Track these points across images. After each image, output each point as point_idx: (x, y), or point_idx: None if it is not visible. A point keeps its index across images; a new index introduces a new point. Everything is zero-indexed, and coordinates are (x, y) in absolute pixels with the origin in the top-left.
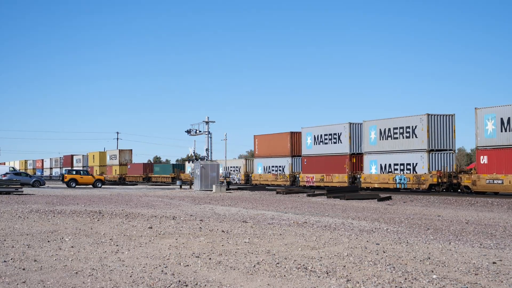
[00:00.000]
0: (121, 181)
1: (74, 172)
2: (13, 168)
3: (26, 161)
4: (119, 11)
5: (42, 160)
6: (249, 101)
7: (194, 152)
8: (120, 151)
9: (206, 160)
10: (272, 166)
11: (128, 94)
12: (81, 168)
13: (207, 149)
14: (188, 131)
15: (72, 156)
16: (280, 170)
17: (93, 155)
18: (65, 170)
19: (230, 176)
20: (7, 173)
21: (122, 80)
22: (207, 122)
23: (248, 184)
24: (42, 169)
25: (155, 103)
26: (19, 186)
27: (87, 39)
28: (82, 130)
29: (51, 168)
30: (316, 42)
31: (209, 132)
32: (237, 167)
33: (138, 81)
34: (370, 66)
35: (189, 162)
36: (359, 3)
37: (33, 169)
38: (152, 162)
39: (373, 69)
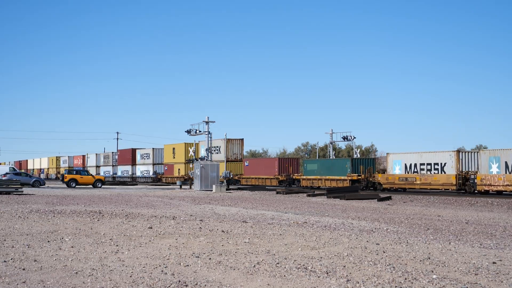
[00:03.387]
0: (233, 184)
1: (74, 172)
2: (13, 168)
3: (58, 158)
4: (119, 11)
5: (84, 156)
6: (249, 101)
7: (194, 152)
8: (229, 140)
9: (206, 160)
10: None
11: (128, 94)
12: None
13: (207, 149)
14: (188, 131)
15: (133, 150)
16: None
17: (173, 148)
18: (65, 170)
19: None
20: (7, 173)
21: (122, 80)
22: (207, 122)
23: None
24: (84, 167)
25: (155, 103)
26: (19, 186)
27: (87, 39)
28: (82, 130)
29: (97, 167)
30: (316, 42)
31: (209, 132)
32: None
33: (138, 81)
34: (370, 66)
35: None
36: (356, 4)
37: (69, 167)
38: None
39: (370, 69)
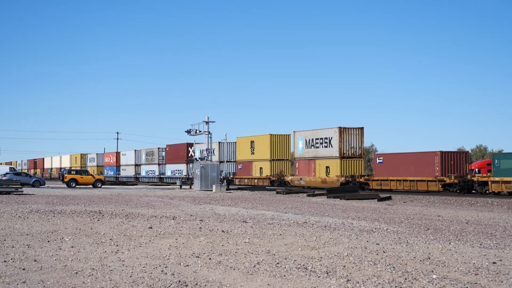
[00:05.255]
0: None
1: (74, 172)
2: (13, 168)
3: (83, 156)
4: (119, 11)
5: (118, 153)
6: (249, 101)
7: (194, 152)
8: (343, 130)
9: (206, 160)
10: None
11: (128, 94)
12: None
13: (207, 149)
14: (188, 131)
15: (189, 145)
16: None
17: (251, 141)
18: (64, 170)
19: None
20: (7, 173)
21: (122, 80)
22: (207, 122)
23: None
24: (118, 166)
25: (155, 103)
26: (19, 186)
27: (87, 39)
28: (82, 130)
29: (137, 165)
30: (316, 42)
31: (209, 132)
32: None
33: (138, 81)
34: (370, 66)
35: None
36: (356, 4)
37: (98, 166)
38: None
39: (370, 70)
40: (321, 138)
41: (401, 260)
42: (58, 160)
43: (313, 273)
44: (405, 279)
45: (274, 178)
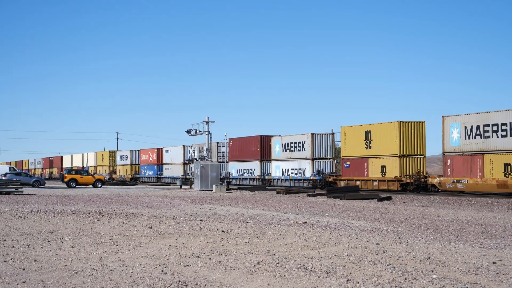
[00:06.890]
0: None
1: (74, 172)
2: (13, 168)
3: (112, 153)
4: (119, 11)
5: (159, 150)
6: (249, 101)
7: (194, 152)
8: None
9: (206, 160)
10: None
11: (128, 94)
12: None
13: (207, 149)
14: (188, 131)
15: (265, 138)
16: None
17: (367, 131)
18: (65, 170)
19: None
20: (7, 173)
21: (122, 80)
22: (207, 122)
23: None
24: (159, 165)
25: (155, 103)
26: (19, 186)
27: (87, 39)
28: (82, 130)
29: (185, 164)
30: (316, 42)
31: (209, 132)
32: None
33: (138, 81)
34: (370, 66)
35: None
36: (356, 4)
37: (132, 165)
38: None
39: (370, 70)
40: (494, 124)
41: (401, 260)
42: (80, 158)
43: (313, 273)
44: (405, 279)
45: (408, 180)
